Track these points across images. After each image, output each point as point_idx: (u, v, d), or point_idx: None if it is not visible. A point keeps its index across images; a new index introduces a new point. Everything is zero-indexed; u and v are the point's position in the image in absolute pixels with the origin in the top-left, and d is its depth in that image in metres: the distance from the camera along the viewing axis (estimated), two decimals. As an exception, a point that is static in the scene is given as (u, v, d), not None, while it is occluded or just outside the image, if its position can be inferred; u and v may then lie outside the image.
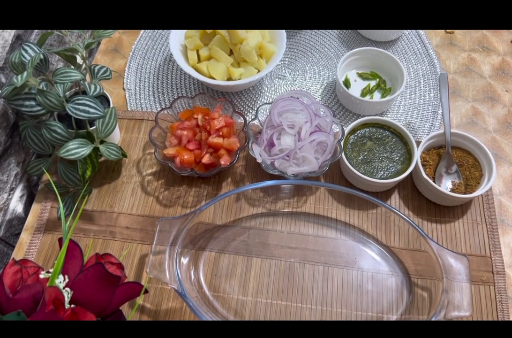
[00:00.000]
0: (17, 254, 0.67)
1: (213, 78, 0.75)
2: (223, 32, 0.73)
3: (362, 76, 0.81)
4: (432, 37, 0.88)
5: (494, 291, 0.64)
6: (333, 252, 0.67)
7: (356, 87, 0.80)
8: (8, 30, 0.65)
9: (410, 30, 0.87)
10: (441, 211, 0.70)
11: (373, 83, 0.80)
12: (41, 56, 0.64)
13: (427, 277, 0.63)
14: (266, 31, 0.79)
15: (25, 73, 0.57)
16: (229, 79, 0.76)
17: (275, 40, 0.78)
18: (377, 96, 0.79)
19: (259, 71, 0.76)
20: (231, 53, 0.77)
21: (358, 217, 0.69)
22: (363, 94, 0.79)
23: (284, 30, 0.77)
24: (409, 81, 0.82)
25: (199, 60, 0.77)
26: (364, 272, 0.65)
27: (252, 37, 0.74)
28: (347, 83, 0.80)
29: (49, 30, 0.65)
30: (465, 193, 0.67)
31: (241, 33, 0.73)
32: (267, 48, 0.76)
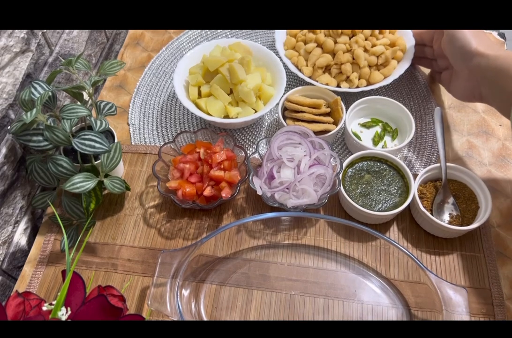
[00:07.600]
0: (20, 286, 0.67)
1: (210, 115, 0.77)
2: (225, 71, 0.76)
3: (366, 125, 0.82)
4: (427, 73, 0.90)
5: (495, 323, 0.63)
6: (334, 284, 0.67)
7: (366, 138, 0.80)
8: (19, 69, 0.67)
9: (406, 67, 0.85)
10: (439, 243, 0.70)
11: (378, 129, 0.81)
12: (50, 94, 0.66)
13: (427, 309, 0.63)
14: (268, 74, 0.81)
15: (34, 110, 0.59)
16: (226, 116, 0.78)
17: (276, 84, 0.80)
18: (388, 139, 0.80)
19: (256, 111, 0.78)
20: (231, 92, 0.79)
21: (358, 249, 0.70)
22: (375, 143, 0.79)
23: (285, 74, 0.80)
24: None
25: (200, 96, 0.80)
26: (364, 305, 0.65)
27: (251, 79, 0.77)
28: (357, 136, 0.79)
29: (58, 69, 0.67)
30: (462, 225, 0.68)
31: (241, 74, 0.75)
32: (266, 91, 0.78)
